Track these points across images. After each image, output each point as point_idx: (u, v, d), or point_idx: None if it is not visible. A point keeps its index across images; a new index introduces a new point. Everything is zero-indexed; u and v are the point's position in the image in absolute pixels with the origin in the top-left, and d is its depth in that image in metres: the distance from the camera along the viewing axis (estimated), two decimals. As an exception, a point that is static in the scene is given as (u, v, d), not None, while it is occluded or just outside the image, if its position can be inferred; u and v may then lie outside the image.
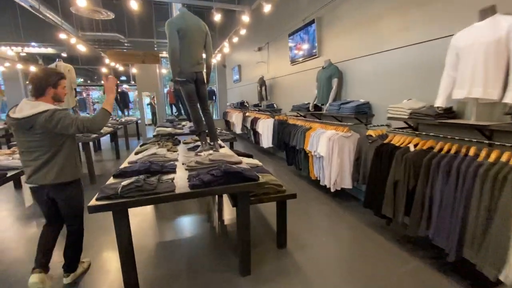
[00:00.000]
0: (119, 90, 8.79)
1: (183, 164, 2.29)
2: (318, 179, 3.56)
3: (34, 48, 7.57)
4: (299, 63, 4.78)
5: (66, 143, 1.75)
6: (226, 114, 9.68)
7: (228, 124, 9.82)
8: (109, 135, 6.08)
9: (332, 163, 3.13)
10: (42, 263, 1.75)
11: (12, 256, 2.28)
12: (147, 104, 11.44)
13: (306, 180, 4.14)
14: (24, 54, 8.16)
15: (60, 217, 1.84)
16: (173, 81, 2.52)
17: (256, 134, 6.34)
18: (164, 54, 8.87)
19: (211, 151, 2.67)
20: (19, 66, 7.66)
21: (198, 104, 2.66)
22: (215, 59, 10.82)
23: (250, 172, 1.80)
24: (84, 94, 16.56)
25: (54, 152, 1.69)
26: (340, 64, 3.63)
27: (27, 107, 1.61)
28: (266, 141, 5.79)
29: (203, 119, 2.70)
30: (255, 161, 2.96)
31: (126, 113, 8.92)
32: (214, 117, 11.81)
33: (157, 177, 1.77)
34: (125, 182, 1.57)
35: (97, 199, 1.50)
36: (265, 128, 5.74)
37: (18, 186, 4.10)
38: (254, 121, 6.21)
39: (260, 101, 6.48)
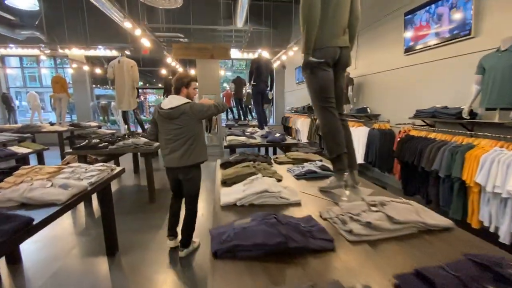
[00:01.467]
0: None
1: (324, 218, 1.19)
2: (492, 230, 2.17)
3: (100, 51, 7.50)
4: (423, 50, 3.40)
5: (200, 130, 2.15)
6: (287, 119, 8.58)
7: (286, 130, 8.70)
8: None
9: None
10: (174, 230, 2.34)
11: None
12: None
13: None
14: (88, 55, 8.21)
15: (182, 194, 2.27)
16: (304, 60, 1.43)
17: (337, 145, 5.07)
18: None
19: (350, 189, 1.55)
20: (86, 68, 7.66)
21: (334, 104, 1.56)
22: (276, 62, 9.82)
23: None
24: (142, 98, 17.27)
25: (194, 138, 2.08)
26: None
27: (175, 101, 2.04)
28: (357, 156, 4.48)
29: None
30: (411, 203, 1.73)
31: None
32: (270, 122, 10.82)
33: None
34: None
35: None
36: (356, 139, 4.44)
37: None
38: (337, 130, 4.92)
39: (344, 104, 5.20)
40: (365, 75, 4.78)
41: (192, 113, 2.03)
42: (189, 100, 2.08)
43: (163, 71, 8.71)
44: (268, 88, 4.39)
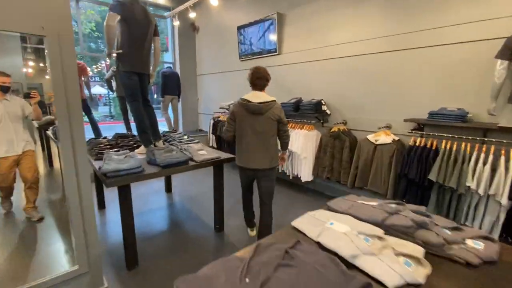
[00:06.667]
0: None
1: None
2: None
3: None
4: None
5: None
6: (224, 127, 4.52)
7: (230, 147, 4.56)
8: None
9: None
10: (253, 221, 2.47)
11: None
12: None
13: None
14: None
15: (252, 190, 2.33)
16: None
17: None
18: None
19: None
20: None
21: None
22: (166, 11, 4.72)
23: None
24: None
25: (275, 139, 2.12)
26: None
27: (262, 96, 2.02)
28: None
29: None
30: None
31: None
32: (180, 127, 6.08)
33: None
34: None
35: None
36: None
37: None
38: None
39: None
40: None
41: (277, 115, 2.05)
42: (275, 99, 2.07)
43: None
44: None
